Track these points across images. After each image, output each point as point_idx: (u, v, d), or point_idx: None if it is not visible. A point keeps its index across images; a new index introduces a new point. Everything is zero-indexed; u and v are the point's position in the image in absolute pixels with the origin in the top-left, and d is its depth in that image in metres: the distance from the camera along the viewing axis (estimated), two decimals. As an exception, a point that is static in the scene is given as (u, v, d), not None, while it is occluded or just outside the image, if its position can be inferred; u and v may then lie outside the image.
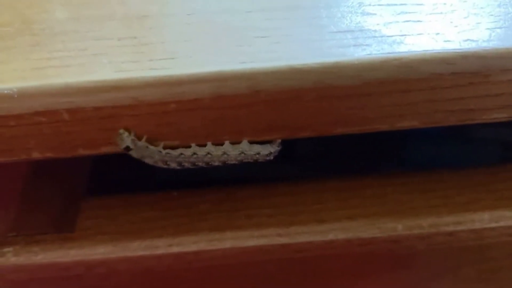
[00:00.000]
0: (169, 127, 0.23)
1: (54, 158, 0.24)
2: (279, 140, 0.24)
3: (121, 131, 0.23)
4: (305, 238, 0.26)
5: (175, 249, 0.26)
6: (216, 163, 0.24)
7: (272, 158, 0.25)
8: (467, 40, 0.22)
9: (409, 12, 0.24)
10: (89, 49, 0.23)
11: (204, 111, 0.23)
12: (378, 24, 0.23)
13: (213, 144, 0.24)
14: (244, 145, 0.24)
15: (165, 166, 0.25)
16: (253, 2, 0.25)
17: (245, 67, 0.22)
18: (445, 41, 0.22)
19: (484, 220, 0.27)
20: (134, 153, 0.24)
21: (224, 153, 0.24)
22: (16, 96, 0.22)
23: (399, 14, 0.24)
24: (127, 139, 0.23)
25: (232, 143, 0.24)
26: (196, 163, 0.24)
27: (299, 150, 0.30)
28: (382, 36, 0.23)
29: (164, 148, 0.24)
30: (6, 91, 0.22)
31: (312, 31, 0.23)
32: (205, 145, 0.24)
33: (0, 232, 0.27)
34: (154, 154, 0.24)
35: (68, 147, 0.23)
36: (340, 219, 0.27)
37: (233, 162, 0.24)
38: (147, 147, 0.24)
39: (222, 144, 0.24)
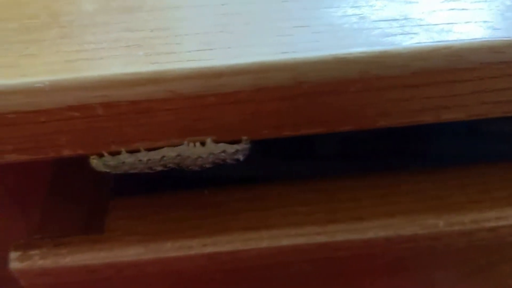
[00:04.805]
0: (206, 121, 0.22)
1: (85, 155, 0.23)
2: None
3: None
4: (344, 236, 0.25)
5: (209, 249, 0.25)
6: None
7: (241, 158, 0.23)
8: (516, 27, 0.21)
9: (453, 0, 0.23)
10: (121, 40, 0.22)
11: (244, 104, 0.22)
12: (423, 13, 0.22)
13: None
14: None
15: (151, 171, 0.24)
16: (287, -8, 0.25)
17: (287, 58, 0.21)
18: (493, 29, 0.21)
19: (527, 215, 0.26)
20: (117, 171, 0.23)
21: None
22: (47, 89, 0.21)
23: (442, 2, 0.23)
24: (98, 166, 0.23)
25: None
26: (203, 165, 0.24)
27: (332, 147, 0.29)
28: (428, 25, 0.22)
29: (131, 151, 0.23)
30: (37, 85, 0.20)
31: (353, 20, 0.22)
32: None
33: (26, 234, 0.26)
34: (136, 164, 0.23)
35: (101, 143, 0.22)
36: (379, 217, 0.26)
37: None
38: (123, 162, 0.23)
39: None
